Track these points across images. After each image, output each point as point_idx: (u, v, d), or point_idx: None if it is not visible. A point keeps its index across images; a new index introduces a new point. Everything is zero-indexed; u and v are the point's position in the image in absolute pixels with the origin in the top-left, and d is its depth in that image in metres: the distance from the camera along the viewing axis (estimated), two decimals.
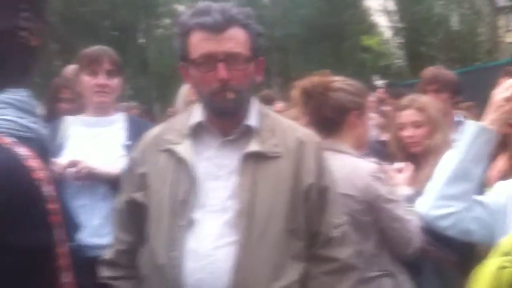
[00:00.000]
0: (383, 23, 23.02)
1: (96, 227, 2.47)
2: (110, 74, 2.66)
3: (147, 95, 17.28)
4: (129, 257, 1.85)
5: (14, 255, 0.89)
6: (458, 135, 1.94)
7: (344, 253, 1.79)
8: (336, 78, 2.36)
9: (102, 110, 2.70)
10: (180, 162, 1.74)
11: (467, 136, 1.87)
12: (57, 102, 3.22)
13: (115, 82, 2.68)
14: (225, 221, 1.69)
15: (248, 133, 1.77)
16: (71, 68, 3.28)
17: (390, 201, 2.19)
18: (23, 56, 1.04)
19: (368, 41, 22.39)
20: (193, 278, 1.66)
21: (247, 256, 1.65)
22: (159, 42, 18.90)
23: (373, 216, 2.18)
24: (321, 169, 1.79)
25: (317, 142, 1.86)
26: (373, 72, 21.87)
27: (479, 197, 1.92)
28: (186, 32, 1.72)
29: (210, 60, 1.68)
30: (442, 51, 20.46)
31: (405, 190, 2.50)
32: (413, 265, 2.32)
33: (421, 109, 2.77)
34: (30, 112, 1.04)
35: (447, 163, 1.90)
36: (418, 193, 2.40)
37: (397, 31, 22.34)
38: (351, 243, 1.85)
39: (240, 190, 1.70)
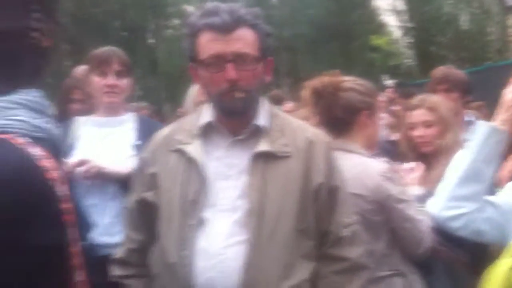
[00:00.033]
0: (392, 22, 22.95)
1: (106, 226, 2.48)
2: (119, 74, 2.67)
3: (156, 95, 17.32)
4: (140, 256, 1.86)
5: (29, 255, 0.90)
6: (469, 136, 1.93)
7: (354, 252, 1.79)
8: (347, 78, 2.36)
9: (112, 110, 2.71)
10: (190, 162, 1.75)
11: (478, 136, 1.86)
12: (68, 103, 3.24)
13: (124, 82, 2.70)
14: (235, 220, 1.70)
15: (258, 133, 1.77)
16: (81, 69, 3.30)
17: (401, 201, 2.18)
18: (35, 57, 1.05)
19: (377, 41, 22.33)
20: (204, 277, 1.66)
21: (257, 255, 1.66)
22: (168, 42, 18.95)
23: (384, 216, 2.17)
24: (331, 168, 1.79)
25: (327, 141, 1.86)
26: (382, 72, 21.80)
27: (491, 198, 1.91)
28: (195, 33, 1.73)
29: (219, 60, 1.69)
30: (451, 51, 20.36)
31: (416, 190, 2.49)
32: (424, 265, 2.32)
33: (432, 109, 2.76)
34: (42, 113, 1.04)
35: (458, 163, 1.89)
36: (429, 193, 2.39)
37: (406, 31, 22.25)
38: (361, 243, 1.85)
39: (250, 190, 1.71)
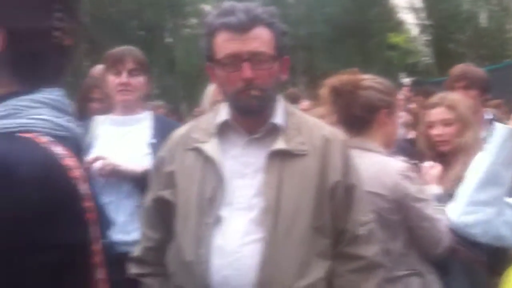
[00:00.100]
0: (410, 20, 22.80)
1: (121, 224, 2.50)
2: (132, 73, 2.69)
3: (173, 94, 17.40)
4: (156, 254, 1.87)
5: (53, 253, 0.91)
6: (487, 138, 1.91)
7: (370, 251, 1.79)
8: (366, 76, 2.34)
9: (129, 109, 2.73)
10: (207, 160, 1.76)
11: (497, 139, 1.84)
12: (87, 102, 3.27)
13: (138, 80, 2.71)
14: (251, 218, 1.71)
15: (274, 131, 1.78)
16: (98, 68, 3.32)
17: (419, 200, 2.16)
18: (57, 56, 1.06)
19: (395, 38, 22.20)
20: (220, 275, 1.67)
21: (273, 253, 1.66)
22: (185, 41, 19.00)
23: (402, 215, 2.16)
24: (347, 166, 1.79)
25: (343, 140, 1.86)
26: (400, 70, 21.67)
27: (510, 200, 1.88)
28: (211, 32, 1.74)
29: (235, 60, 1.69)
30: (470, 48, 20.18)
31: (434, 189, 2.47)
32: (441, 264, 2.30)
33: (451, 107, 2.73)
34: (65, 111, 1.05)
35: (477, 168, 1.86)
36: (447, 192, 2.38)
37: (424, 28, 22.10)
38: (377, 241, 1.85)
39: (266, 188, 1.71)
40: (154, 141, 2.60)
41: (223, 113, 1.82)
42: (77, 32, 1.09)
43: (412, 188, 2.15)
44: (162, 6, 19.66)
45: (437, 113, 2.76)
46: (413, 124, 4.49)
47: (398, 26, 23.14)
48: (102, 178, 2.50)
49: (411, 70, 21.95)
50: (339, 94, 2.28)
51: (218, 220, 1.72)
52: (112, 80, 2.70)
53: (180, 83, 18.87)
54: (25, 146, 0.93)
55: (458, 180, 2.43)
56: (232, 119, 1.80)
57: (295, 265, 1.68)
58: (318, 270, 1.71)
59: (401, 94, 6.41)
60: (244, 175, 1.76)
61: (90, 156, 2.52)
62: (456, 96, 2.88)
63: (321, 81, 2.39)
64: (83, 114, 3.05)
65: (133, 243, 2.10)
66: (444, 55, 19.84)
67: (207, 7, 17.77)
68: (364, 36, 20.16)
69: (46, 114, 1.00)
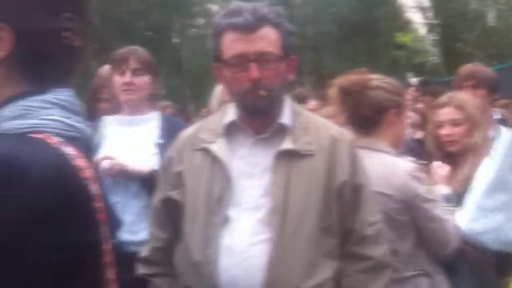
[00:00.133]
0: (418, 19, 22.73)
1: (128, 224, 2.51)
2: (136, 72, 2.70)
3: (181, 94, 17.43)
4: (164, 254, 1.88)
5: (64, 253, 0.91)
6: (494, 142, 1.89)
7: (378, 251, 1.79)
8: (374, 76, 2.34)
9: (136, 109, 2.74)
10: (214, 160, 1.77)
11: (503, 144, 1.82)
12: (96, 102, 3.28)
13: (142, 80, 2.71)
14: (259, 218, 1.71)
15: (282, 131, 1.78)
16: (105, 69, 3.34)
17: (428, 200, 2.16)
18: (67, 56, 1.06)
19: (402, 38, 22.13)
20: (228, 275, 1.68)
21: (281, 253, 1.67)
22: (192, 41, 19.03)
23: (410, 215, 2.15)
24: (355, 166, 1.79)
25: (351, 139, 1.86)
26: (407, 69, 21.60)
27: None
28: (218, 33, 1.75)
29: (242, 60, 1.70)
30: (478, 48, 20.11)
31: (443, 190, 2.46)
32: (450, 265, 2.29)
33: (460, 107, 2.72)
34: (75, 112, 1.05)
35: (484, 174, 1.85)
36: (456, 193, 2.37)
37: (432, 28, 22.03)
38: (385, 241, 1.84)
39: (273, 188, 1.71)
40: (161, 141, 2.61)
41: (231, 113, 1.83)
42: (86, 32, 1.09)
43: (420, 189, 2.15)
44: (169, 7, 19.69)
45: (445, 113, 2.75)
46: (420, 124, 4.47)
47: (405, 25, 23.06)
48: (110, 178, 2.51)
49: (418, 69, 21.88)
50: (348, 94, 2.27)
51: (226, 220, 1.72)
52: (117, 80, 2.71)
53: (187, 83, 18.91)
54: (36, 146, 0.94)
55: (467, 180, 2.42)
56: (240, 119, 1.81)
57: (302, 265, 1.68)
58: (326, 270, 1.71)
59: (408, 94, 6.39)
60: (251, 175, 1.76)
61: (98, 156, 2.53)
62: (464, 96, 2.87)
63: (328, 81, 2.38)
64: (92, 114, 3.06)
65: (141, 243, 2.11)
66: (452, 55, 19.76)
67: (214, 7, 17.81)
68: (371, 36, 20.11)
69: (57, 115, 1.00)
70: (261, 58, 1.69)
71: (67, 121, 1.02)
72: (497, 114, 3.50)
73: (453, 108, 2.73)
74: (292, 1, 19.43)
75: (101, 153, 2.58)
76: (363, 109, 2.25)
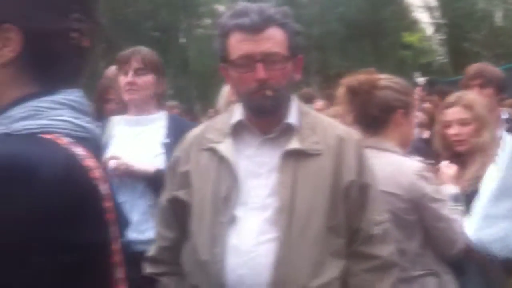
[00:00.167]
0: (425, 19, 22.66)
1: (135, 223, 2.52)
2: (138, 72, 2.70)
3: (187, 94, 17.47)
4: (172, 253, 1.88)
5: (74, 253, 0.91)
6: (498, 151, 1.87)
7: (385, 250, 1.79)
8: (382, 76, 2.34)
9: (143, 109, 2.75)
10: (221, 160, 1.77)
11: (508, 151, 1.81)
12: (104, 103, 3.30)
13: (144, 79, 2.71)
14: (265, 218, 1.71)
15: (289, 131, 1.78)
16: (112, 69, 3.35)
17: (435, 200, 2.15)
18: (75, 57, 1.06)
19: (409, 38, 22.08)
20: (235, 274, 1.68)
21: (287, 253, 1.67)
22: (199, 41, 19.05)
23: (418, 215, 2.15)
24: (361, 166, 1.79)
25: (358, 139, 1.86)
26: (414, 69, 21.55)
27: None
28: (225, 33, 1.75)
29: (249, 60, 1.70)
30: (485, 47, 20.02)
31: (451, 189, 2.46)
32: (457, 265, 2.29)
33: (468, 107, 2.71)
34: (84, 112, 1.06)
35: (489, 181, 1.83)
36: (464, 193, 2.36)
37: (439, 27, 21.96)
38: (392, 241, 1.84)
39: (280, 188, 1.72)
40: (167, 140, 2.62)
41: (238, 113, 1.83)
42: (95, 33, 1.10)
43: (428, 188, 2.14)
44: (177, 7, 19.73)
45: (453, 113, 2.74)
46: (427, 124, 4.47)
47: (412, 25, 23.01)
48: (116, 177, 2.53)
49: (425, 69, 21.81)
50: (356, 93, 2.27)
51: (233, 220, 1.72)
52: (122, 80, 2.73)
53: (194, 83, 18.93)
54: (46, 147, 0.94)
55: (475, 180, 2.41)
56: (246, 119, 1.81)
57: (309, 264, 1.68)
58: (333, 269, 1.71)
59: (415, 94, 6.37)
60: (258, 175, 1.76)
61: (105, 156, 2.54)
62: (472, 96, 2.85)
63: (334, 81, 2.39)
64: (100, 114, 3.07)
65: (147, 242, 2.12)
66: (459, 54, 19.69)
67: (221, 8, 17.83)
68: (378, 36, 20.07)
69: (67, 115, 1.01)
70: (267, 58, 1.70)
71: (77, 121, 1.02)
72: (504, 114, 3.48)
73: (461, 107, 2.72)
74: (298, 1, 19.41)
75: (108, 153, 2.60)
76: (371, 109, 2.25)
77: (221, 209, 1.73)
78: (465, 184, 2.50)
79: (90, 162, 0.98)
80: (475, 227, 1.83)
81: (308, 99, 5.33)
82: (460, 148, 2.72)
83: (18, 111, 0.98)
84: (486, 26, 20.50)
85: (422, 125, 4.62)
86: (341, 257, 1.74)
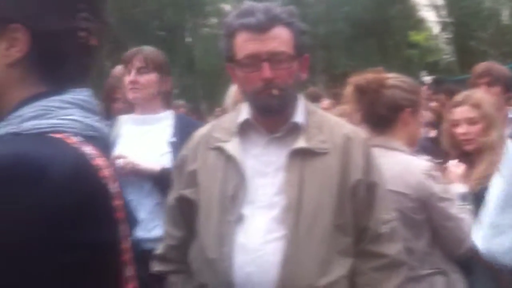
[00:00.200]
0: (431, 18, 22.57)
1: (142, 222, 2.53)
2: (140, 70, 2.71)
3: (193, 93, 17.47)
4: (179, 252, 1.89)
5: (85, 252, 0.92)
6: (501, 159, 1.85)
7: (393, 249, 1.79)
8: (390, 75, 2.34)
9: (148, 107, 2.75)
10: (228, 159, 1.78)
11: (509, 158, 1.79)
12: (111, 102, 3.31)
13: (146, 78, 2.72)
14: (273, 216, 1.72)
15: (295, 130, 1.78)
16: (118, 69, 3.36)
17: (443, 199, 2.15)
18: (83, 56, 1.07)
19: (415, 37, 22.01)
20: (243, 272, 1.69)
21: (295, 251, 1.67)
22: (205, 41, 19.06)
23: (426, 214, 2.15)
24: (368, 165, 1.79)
25: (365, 138, 1.86)
26: (420, 68, 21.47)
27: None
28: (231, 33, 1.76)
29: (254, 60, 1.71)
30: (492, 46, 19.93)
31: (459, 188, 2.45)
32: (464, 264, 2.28)
33: (476, 106, 2.71)
34: (93, 111, 1.06)
35: (494, 190, 1.82)
36: (471, 192, 2.35)
37: (445, 26, 21.87)
38: (400, 239, 1.84)
39: (287, 186, 1.72)
40: (174, 139, 2.63)
41: (244, 112, 1.84)
42: (103, 32, 1.10)
43: (436, 188, 2.14)
44: (183, 6, 19.73)
45: (461, 112, 2.74)
46: (434, 123, 4.46)
47: (418, 24, 22.92)
48: (123, 176, 2.53)
49: (432, 68, 21.74)
50: (364, 92, 2.27)
51: (240, 218, 1.73)
52: (126, 79, 2.74)
53: (200, 83, 18.93)
54: (56, 146, 0.94)
55: (483, 179, 2.41)
56: (253, 118, 1.81)
57: (317, 263, 1.68)
58: (340, 268, 1.72)
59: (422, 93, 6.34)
60: (265, 173, 1.77)
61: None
62: (480, 95, 2.85)
63: (340, 80, 2.39)
64: (108, 114, 3.08)
65: (154, 240, 2.12)
66: (466, 53, 19.60)
67: (226, 7, 17.82)
68: (384, 35, 20.01)
69: (76, 115, 1.01)
70: (273, 58, 1.70)
71: (86, 120, 1.02)
72: (511, 112, 3.47)
73: (469, 106, 2.72)
74: (304, 0, 19.38)
75: (115, 152, 2.61)
76: (378, 108, 2.25)
77: (229, 207, 1.74)
78: (473, 183, 2.50)
79: (99, 161, 0.99)
80: (483, 237, 1.81)
81: (314, 98, 5.33)
82: (468, 147, 2.71)
83: (27, 110, 0.98)
84: (492, 24, 20.40)
85: (428, 124, 4.61)
86: (349, 256, 1.74)
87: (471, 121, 2.70)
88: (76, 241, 0.91)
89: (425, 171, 2.14)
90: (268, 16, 1.70)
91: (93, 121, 1.04)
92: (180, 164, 1.93)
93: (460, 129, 2.72)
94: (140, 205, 2.56)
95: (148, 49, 2.81)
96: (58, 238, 0.89)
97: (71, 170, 0.93)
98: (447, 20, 21.63)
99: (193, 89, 17.97)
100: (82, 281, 0.93)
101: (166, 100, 2.85)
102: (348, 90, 2.32)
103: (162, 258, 1.94)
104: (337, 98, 5.87)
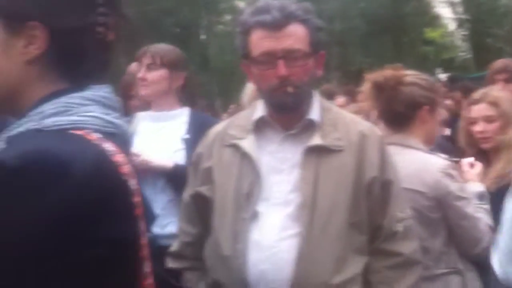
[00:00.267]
0: (447, 14, 22.38)
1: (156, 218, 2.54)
2: (149, 67, 2.72)
3: (208, 90, 17.50)
4: (194, 249, 1.90)
5: (105, 248, 0.93)
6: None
7: (408, 247, 1.78)
8: (409, 72, 2.32)
9: (163, 104, 2.76)
10: (244, 156, 1.78)
11: None
12: (128, 99, 3.32)
13: (154, 74, 2.71)
14: (287, 214, 1.72)
15: (310, 127, 1.78)
16: (133, 66, 3.37)
17: (460, 198, 2.13)
18: (101, 52, 1.07)
19: (431, 33, 21.85)
20: (257, 269, 1.69)
21: (310, 249, 1.67)
22: (220, 38, 19.09)
23: (442, 213, 2.13)
24: (384, 162, 1.78)
25: (380, 135, 1.86)
26: (436, 65, 21.31)
27: None
28: (246, 30, 1.76)
29: (270, 57, 1.71)
30: (508, 43, 19.72)
31: (476, 187, 2.43)
32: (480, 264, 2.26)
33: (493, 104, 2.68)
34: (113, 108, 1.06)
35: (507, 212, 1.79)
36: (488, 191, 2.33)
37: (461, 23, 21.69)
38: (415, 238, 1.83)
39: (302, 184, 1.72)
40: (187, 136, 2.63)
41: (259, 109, 1.84)
42: (120, 27, 1.09)
43: (453, 186, 2.13)
44: (198, 3, 19.76)
45: (479, 110, 2.71)
46: (448, 121, 4.43)
47: (434, 20, 22.75)
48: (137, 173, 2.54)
49: (447, 65, 21.58)
50: (381, 89, 2.26)
51: (255, 215, 1.73)
52: (137, 76, 2.76)
53: (215, 80, 18.96)
54: (76, 143, 0.95)
55: (499, 178, 2.39)
56: (268, 115, 1.82)
57: (331, 260, 1.68)
58: (355, 266, 1.71)
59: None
60: (280, 170, 1.77)
61: None
62: (498, 93, 2.81)
63: (355, 77, 2.38)
64: (125, 111, 3.10)
65: (168, 236, 2.13)
66: (482, 50, 19.43)
67: (241, 4, 17.82)
68: (399, 31, 19.89)
69: (96, 111, 1.01)
70: (289, 55, 1.70)
71: (106, 117, 1.02)
72: None
73: (486, 104, 2.69)
74: None
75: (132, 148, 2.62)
76: (396, 105, 2.23)
77: (243, 205, 1.74)
78: (490, 182, 2.48)
79: (119, 157, 0.99)
80: (499, 261, 1.78)
81: (329, 96, 5.31)
82: (485, 146, 2.69)
83: (48, 107, 0.98)
84: (509, 21, 20.17)
85: (443, 122, 4.57)
86: (364, 254, 1.74)
87: (488, 119, 2.68)
88: (96, 236, 0.92)
89: (442, 170, 2.13)
90: (283, 13, 1.70)
91: (113, 117, 1.04)
92: (195, 161, 1.94)
93: (478, 127, 2.70)
94: (154, 201, 2.56)
95: (159, 46, 2.81)
96: (79, 233, 0.90)
97: (92, 167, 0.93)
98: (463, 17, 21.43)
99: (207, 86, 18.00)
100: (102, 276, 0.94)
101: (188, 97, 2.84)
102: (366, 87, 2.30)
103: (177, 255, 1.95)
104: (351, 95, 5.85)
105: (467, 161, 2.57)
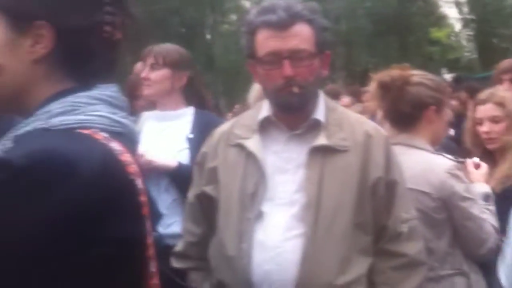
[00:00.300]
0: (453, 15, 22.31)
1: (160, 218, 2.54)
2: (152, 67, 2.73)
3: (213, 90, 17.50)
4: (199, 249, 1.90)
5: (112, 247, 0.93)
6: None
7: (412, 248, 1.78)
8: (416, 72, 2.31)
9: (166, 104, 2.76)
10: (249, 156, 1.78)
11: None
12: (134, 99, 3.33)
13: (156, 74, 2.72)
14: (292, 214, 1.72)
15: (316, 127, 1.78)
16: (139, 66, 3.38)
17: (465, 199, 2.12)
18: (108, 51, 1.07)
19: (437, 33, 21.79)
20: (261, 269, 1.69)
21: (314, 249, 1.67)
22: (225, 38, 19.08)
23: (447, 213, 2.12)
24: (389, 163, 1.78)
25: (385, 135, 1.86)
26: (441, 65, 21.25)
27: None
28: (252, 30, 1.76)
29: (276, 57, 1.71)
30: None
31: (481, 188, 2.42)
32: (485, 265, 2.26)
33: (500, 104, 2.67)
34: (120, 107, 1.07)
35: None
36: (494, 191, 2.32)
37: (467, 23, 21.61)
38: (420, 239, 1.83)
39: (307, 184, 1.72)
40: (191, 136, 2.63)
41: (265, 109, 1.84)
42: (127, 26, 1.09)
43: (458, 187, 2.12)
44: (203, 3, 19.76)
45: (485, 110, 2.70)
46: (453, 121, 4.41)
47: (440, 20, 22.69)
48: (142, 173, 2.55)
49: (453, 65, 21.52)
50: (388, 89, 2.25)
51: (259, 215, 1.73)
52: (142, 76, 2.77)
53: (220, 79, 18.96)
54: (84, 142, 0.95)
55: (505, 178, 2.38)
56: (274, 115, 1.82)
57: (336, 261, 1.68)
58: (359, 266, 1.71)
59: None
60: (285, 170, 1.77)
61: None
62: (505, 93, 2.80)
63: (360, 77, 2.37)
64: (131, 110, 3.10)
65: (173, 236, 2.14)
66: (487, 50, 19.37)
67: (246, 4, 17.82)
68: (405, 31, 19.84)
69: (103, 111, 1.01)
70: (294, 55, 1.70)
71: (113, 116, 1.02)
72: None
73: (493, 104, 2.68)
74: None
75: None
76: (403, 105, 2.23)
77: (248, 205, 1.74)
78: (496, 183, 2.47)
79: (126, 157, 0.99)
80: (505, 274, 1.78)
81: (334, 96, 5.31)
82: (491, 146, 2.68)
83: (55, 106, 0.99)
84: None
85: (448, 123, 4.56)
86: (368, 255, 1.74)
87: (494, 120, 2.67)
88: (103, 236, 0.92)
89: (448, 170, 2.12)
90: (289, 13, 1.70)
91: (120, 117, 1.04)
92: (200, 161, 1.94)
93: (484, 128, 2.69)
94: (158, 201, 2.57)
95: (162, 46, 2.81)
96: (85, 232, 0.90)
97: (99, 166, 0.93)
98: (469, 17, 21.37)
99: (212, 86, 18.00)
100: (108, 275, 0.94)
101: (194, 96, 2.84)
102: (372, 86, 2.30)
103: (181, 255, 1.95)
104: (356, 95, 5.84)
105: (472, 161, 2.57)
